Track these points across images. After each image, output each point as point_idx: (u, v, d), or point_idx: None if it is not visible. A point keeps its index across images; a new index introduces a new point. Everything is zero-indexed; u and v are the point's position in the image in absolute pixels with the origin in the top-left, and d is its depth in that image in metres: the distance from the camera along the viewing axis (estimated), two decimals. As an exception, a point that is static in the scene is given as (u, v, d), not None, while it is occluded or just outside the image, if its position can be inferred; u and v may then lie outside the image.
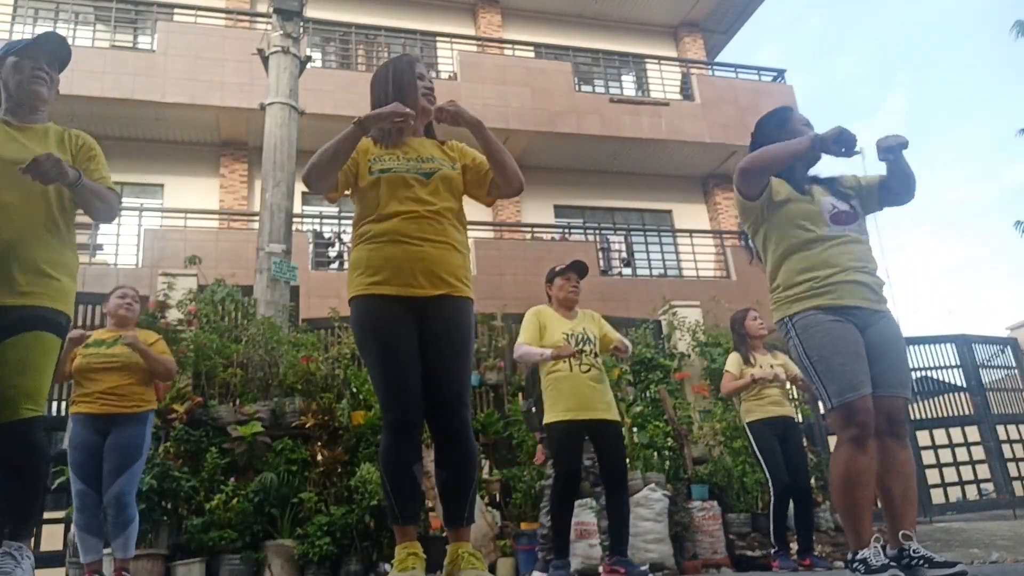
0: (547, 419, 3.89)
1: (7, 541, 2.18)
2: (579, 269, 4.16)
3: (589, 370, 3.91)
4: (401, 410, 2.21)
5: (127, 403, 3.83)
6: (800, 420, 6.92)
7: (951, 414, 8.42)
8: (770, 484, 4.64)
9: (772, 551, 4.74)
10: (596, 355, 3.98)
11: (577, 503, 5.28)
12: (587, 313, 4.19)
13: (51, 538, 5.40)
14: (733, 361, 4.88)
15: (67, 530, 5.13)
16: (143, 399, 3.91)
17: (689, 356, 6.86)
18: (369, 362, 2.30)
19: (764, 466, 4.67)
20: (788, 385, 4.87)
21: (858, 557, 2.32)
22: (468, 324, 2.38)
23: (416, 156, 2.40)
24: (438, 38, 13.07)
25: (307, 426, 5.18)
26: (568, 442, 3.83)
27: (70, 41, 10.83)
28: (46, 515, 5.46)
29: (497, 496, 5.48)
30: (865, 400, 2.39)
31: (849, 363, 2.41)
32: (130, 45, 11.58)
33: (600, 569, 4.06)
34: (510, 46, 13.40)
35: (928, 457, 8.11)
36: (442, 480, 2.29)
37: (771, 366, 4.77)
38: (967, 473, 8.31)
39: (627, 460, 4.11)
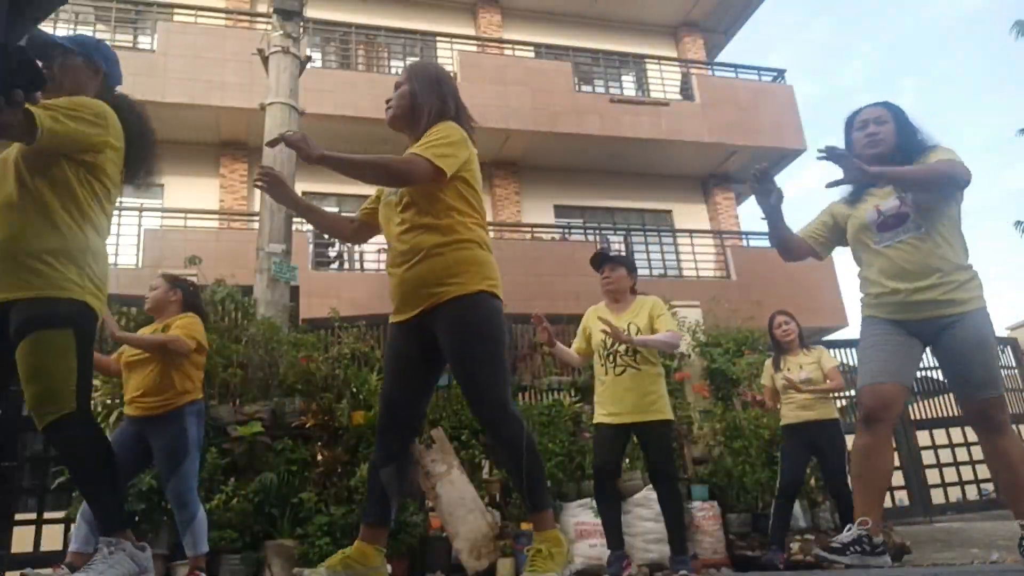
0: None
1: (101, 537, 2.19)
2: (593, 262, 4.20)
3: (623, 372, 3.87)
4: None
5: (155, 403, 3.65)
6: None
7: (951, 414, 8.39)
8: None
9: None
10: (636, 352, 3.87)
11: (576, 503, 5.31)
12: (644, 302, 4.07)
13: (51, 538, 5.39)
14: (765, 372, 5.11)
15: (67, 530, 5.13)
16: (172, 394, 3.67)
17: (689, 356, 6.84)
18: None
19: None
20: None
21: None
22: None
23: None
24: (438, 38, 13.08)
25: (307, 426, 5.18)
26: (601, 441, 3.95)
27: (70, 41, 10.98)
28: (46, 515, 5.47)
29: (497, 496, 5.48)
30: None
31: None
32: (130, 45, 11.57)
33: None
34: (510, 46, 13.41)
35: (928, 457, 8.10)
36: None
37: (800, 366, 4.80)
38: (967, 473, 8.30)
39: (670, 457, 4.04)
